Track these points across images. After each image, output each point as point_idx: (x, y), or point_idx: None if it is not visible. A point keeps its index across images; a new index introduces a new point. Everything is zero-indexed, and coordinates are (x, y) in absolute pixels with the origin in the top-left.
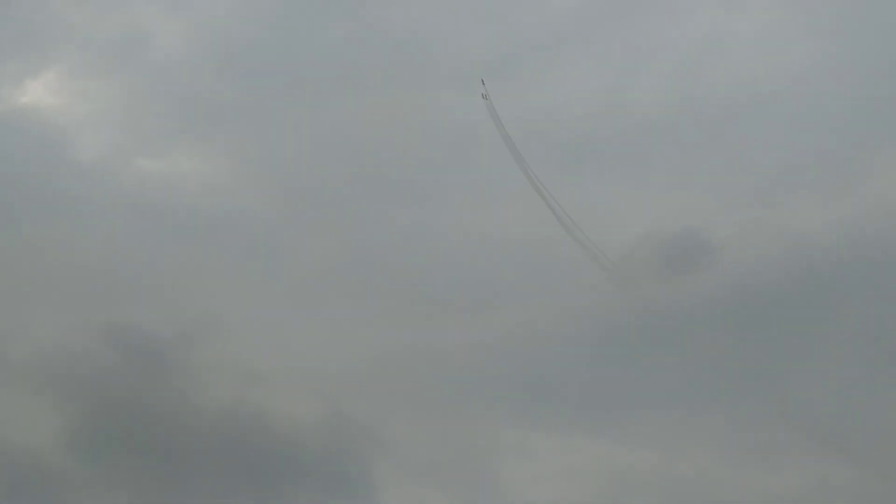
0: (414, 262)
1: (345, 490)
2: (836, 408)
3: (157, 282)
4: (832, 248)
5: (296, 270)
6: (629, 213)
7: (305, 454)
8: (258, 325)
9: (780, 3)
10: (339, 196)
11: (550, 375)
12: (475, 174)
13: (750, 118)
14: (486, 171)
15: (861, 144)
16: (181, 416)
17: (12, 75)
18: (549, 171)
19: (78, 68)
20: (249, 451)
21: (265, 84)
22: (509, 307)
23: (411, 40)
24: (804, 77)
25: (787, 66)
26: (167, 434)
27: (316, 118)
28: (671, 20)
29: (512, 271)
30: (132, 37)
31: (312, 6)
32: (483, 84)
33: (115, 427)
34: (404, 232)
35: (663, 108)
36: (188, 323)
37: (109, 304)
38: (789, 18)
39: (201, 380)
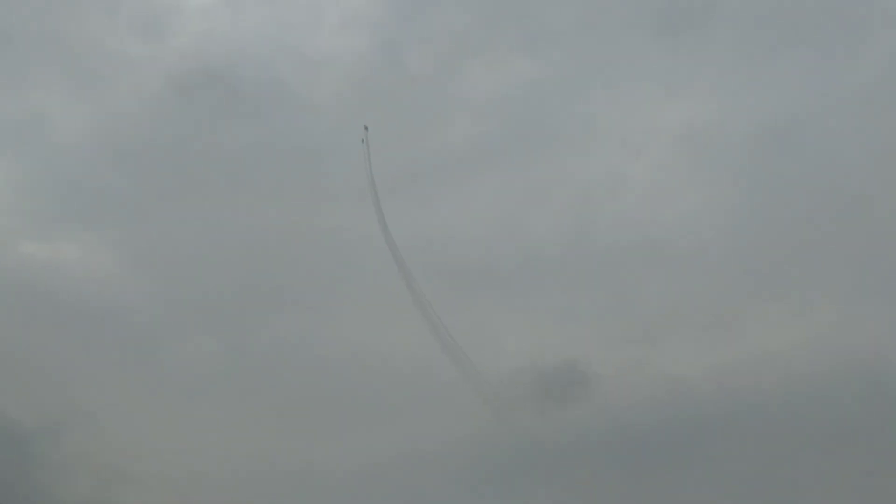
0: (294, 373)
1: None
2: None
3: (28, 368)
4: (706, 392)
5: (174, 370)
6: (514, 341)
7: None
8: (130, 424)
9: (674, 151)
10: (224, 299)
11: (427, 501)
12: (363, 288)
13: (637, 259)
14: (374, 285)
15: (739, 293)
16: None
17: None
18: (439, 292)
19: None
20: None
21: (160, 180)
22: (389, 426)
23: (310, 151)
24: (691, 223)
25: (676, 212)
26: None
27: (207, 219)
28: (571, 158)
29: (394, 390)
30: (31, 118)
31: (215, 110)
32: (365, 129)
33: None
34: (288, 341)
35: (556, 241)
36: (56, 414)
37: None
38: (682, 166)
39: (65, 475)
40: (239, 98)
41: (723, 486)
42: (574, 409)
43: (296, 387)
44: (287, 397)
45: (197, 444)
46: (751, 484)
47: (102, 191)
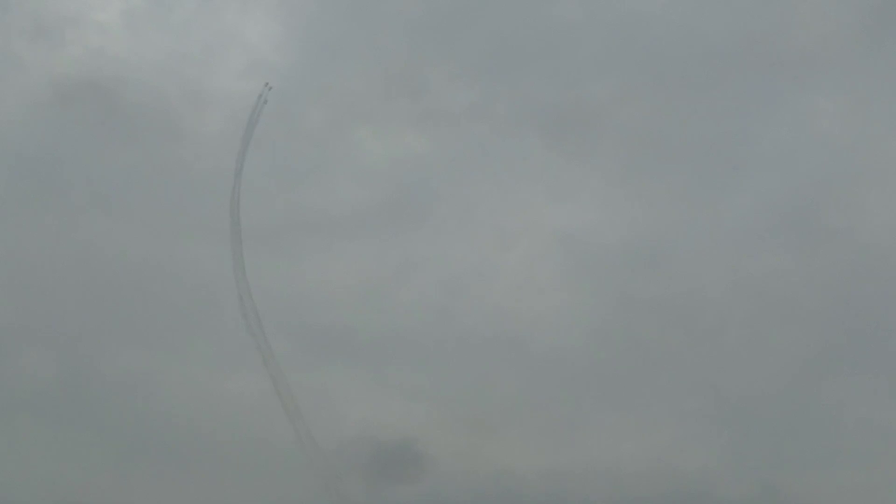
0: (126, 410)
1: None
2: None
3: None
4: (536, 491)
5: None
6: (357, 411)
7: None
8: None
9: (546, 251)
10: (69, 321)
11: None
12: (212, 333)
13: (493, 350)
14: (224, 332)
15: (586, 400)
16: None
17: None
18: (291, 350)
19: None
20: None
21: (24, 188)
22: (213, 479)
23: (183, 184)
24: (551, 325)
25: (538, 311)
26: None
27: (66, 236)
28: (446, 239)
29: (225, 443)
30: None
31: (94, 126)
32: (267, 86)
33: None
34: (126, 375)
35: (418, 319)
36: None
37: None
38: (551, 267)
39: None
40: (121, 118)
41: None
42: (405, 488)
43: (125, 423)
44: (113, 432)
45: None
46: None
47: None
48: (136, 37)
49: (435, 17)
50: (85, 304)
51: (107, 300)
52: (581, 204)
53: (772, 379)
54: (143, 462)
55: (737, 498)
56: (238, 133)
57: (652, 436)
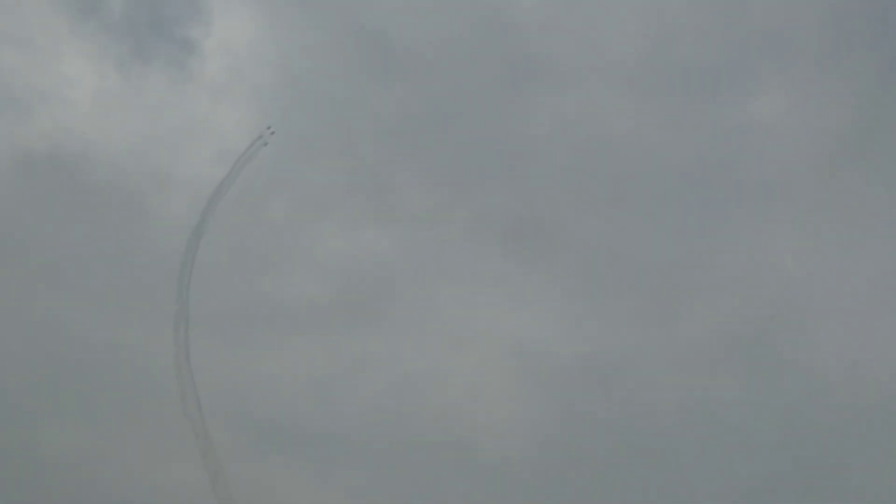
0: (69, 492)
1: None
2: None
3: None
4: None
5: None
6: None
7: None
8: None
9: (501, 360)
10: (8, 396)
11: None
12: (152, 417)
13: (441, 456)
14: (165, 418)
15: None
16: None
17: None
18: (233, 441)
19: None
20: None
21: None
22: None
23: (140, 264)
24: (501, 433)
25: (489, 419)
26: None
27: (17, 309)
28: (401, 340)
29: None
30: None
31: (54, 200)
32: (269, 129)
33: None
34: (68, 456)
35: (366, 419)
36: None
37: None
38: (505, 377)
39: None
40: (82, 195)
41: None
42: None
43: (60, 501)
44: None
45: None
46: None
47: None
48: (105, 116)
49: (406, 121)
50: (29, 379)
51: (51, 377)
52: (537, 315)
53: (719, 503)
54: None
55: None
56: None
57: None
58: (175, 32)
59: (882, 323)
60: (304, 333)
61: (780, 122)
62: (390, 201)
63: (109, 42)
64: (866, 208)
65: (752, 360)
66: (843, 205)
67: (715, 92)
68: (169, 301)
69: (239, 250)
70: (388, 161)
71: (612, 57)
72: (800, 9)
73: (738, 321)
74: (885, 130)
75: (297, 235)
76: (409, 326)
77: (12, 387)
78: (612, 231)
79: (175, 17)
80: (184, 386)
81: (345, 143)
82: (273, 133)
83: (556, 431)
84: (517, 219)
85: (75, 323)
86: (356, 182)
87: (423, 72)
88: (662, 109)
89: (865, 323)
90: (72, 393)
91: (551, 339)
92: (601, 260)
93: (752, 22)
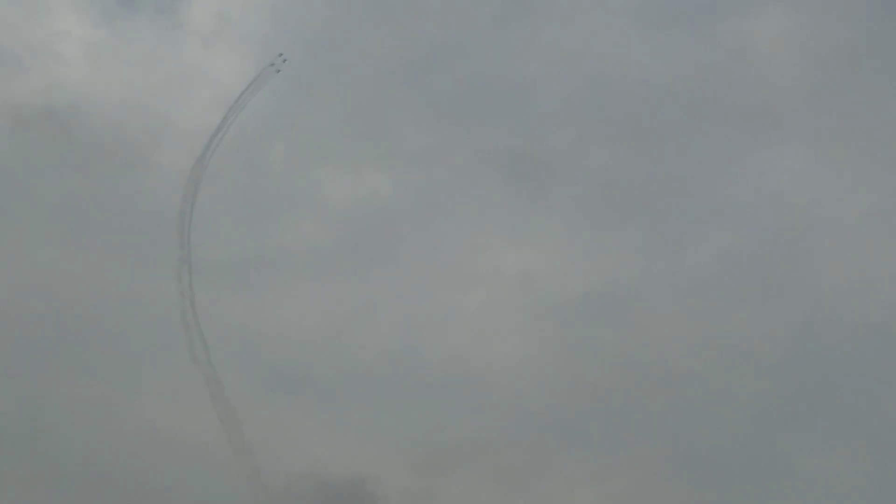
0: (84, 442)
1: None
2: None
3: None
4: None
5: None
6: (306, 448)
7: None
8: None
9: (506, 295)
10: (21, 349)
11: None
12: (162, 365)
13: (450, 392)
14: (174, 365)
15: (539, 445)
16: None
17: None
18: (244, 385)
19: None
20: None
21: None
22: None
23: (140, 213)
24: (510, 368)
25: (497, 354)
26: None
27: (17, 262)
28: (406, 280)
29: (169, 476)
30: None
31: (49, 152)
32: (280, 56)
33: None
34: (81, 407)
35: (375, 359)
36: None
37: None
38: (511, 312)
39: None
40: (76, 148)
41: None
42: None
43: (75, 455)
44: (64, 464)
45: None
46: None
47: None
48: (97, 69)
49: (403, 61)
50: (36, 333)
51: (58, 330)
52: (542, 249)
53: (728, 429)
54: (91, 494)
55: None
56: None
57: (608, 483)
58: None
59: (888, 243)
60: (310, 278)
61: (778, 44)
62: (390, 142)
63: None
64: (869, 129)
65: (760, 286)
66: (846, 126)
67: (712, 18)
68: (172, 250)
69: (240, 197)
70: (387, 101)
71: None
72: None
73: (744, 247)
74: (885, 48)
75: (298, 180)
76: (415, 267)
77: (18, 342)
78: (615, 163)
79: None
80: (190, 333)
81: (341, 84)
82: (285, 61)
83: (565, 365)
84: (518, 154)
85: (78, 276)
86: (355, 124)
87: (418, 10)
88: (660, 38)
89: (871, 244)
90: (78, 346)
91: (557, 273)
92: (604, 192)
93: None
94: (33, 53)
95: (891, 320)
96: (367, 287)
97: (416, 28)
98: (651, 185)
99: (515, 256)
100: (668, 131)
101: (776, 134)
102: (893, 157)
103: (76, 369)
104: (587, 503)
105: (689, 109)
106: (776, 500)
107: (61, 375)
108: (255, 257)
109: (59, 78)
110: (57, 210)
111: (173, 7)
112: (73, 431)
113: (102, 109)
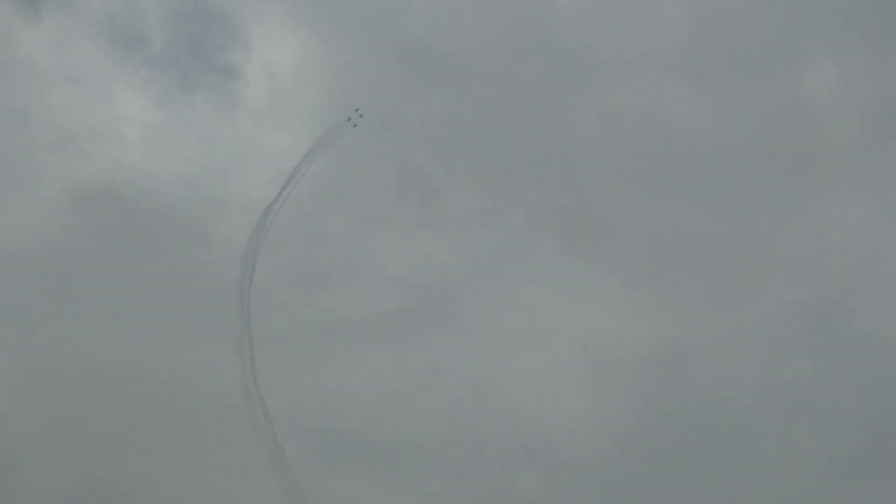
0: None
1: None
2: None
3: None
4: None
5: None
6: None
7: None
8: None
9: (568, 357)
10: (88, 429)
11: None
12: (223, 438)
13: (515, 459)
14: (235, 437)
15: None
16: None
17: None
18: (306, 456)
19: None
20: None
21: (46, 293)
22: None
23: (202, 289)
24: (574, 432)
25: (561, 418)
26: None
27: (86, 340)
28: (467, 345)
29: None
30: None
31: (112, 231)
32: (357, 111)
33: None
34: (145, 484)
35: (438, 427)
36: None
37: None
38: (574, 374)
39: None
40: (137, 222)
41: None
42: None
43: None
44: None
45: None
46: None
47: None
48: (155, 148)
49: (453, 126)
50: (99, 411)
51: (120, 407)
52: (601, 308)
53: (797, 487)
54: None
55: None
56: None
57: None
58: (216, 59)
59: None
60: (370, 345)
61: (833, 95)
62: (444, 206)
63: (154, 75)
64: None
65: (824, 338)
66: None
67: (765, 70)
68: (233, 322)
69: (299, 267)
70: (439, 166)
71: (656, 43)
72: None
73: (806, 299)
74: None
75: (356, 248)
76: (474, 330)
77: (87, 422)
78: (670, 218)
79: (215, 44)
80: (251, 404)
81: (393, 151)
82: (362, 116)
83: (630, 425)
84: (572, 213)
85: (141, 350)
86: (409, 190)
87: (467, 76)
88: (712, 91)
89: None
90: (142, 420)
91: (617, 331)
92: (660, 248)
93: None
94: (95, 135)
95: None
96: (427, 352)
97: (464, 92)
98: (709, 240)
99: (574, 316)
100: (724, 184)
101: (834, 184)
102: None
103: (140, 443)
104: None
105: (745, 161)
106: None
107: (126, 450)
108: (315, 326)
109: (120, 158)
110: (119, 285)
111: (228, 86)
112: None
113: (162, 187)
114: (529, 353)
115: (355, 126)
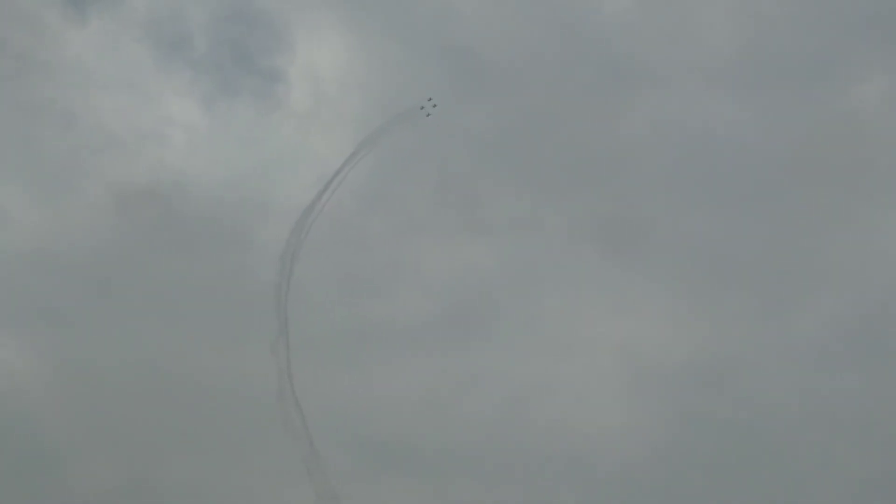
0: None
1: None
2: None
3: None
4: None
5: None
6: None
7: None
8: None
9: (611, 366)
10: (130, 429)
11: None
12: (261, 442)
13: (557, 467)
14: (273, 442)
15: None
16: None
17: None
18: (345, 461)
19: None
20: None
21: (88, 293)
22: None
23: (244, 293)
24: (615, 441)
25: (602, 427)
26: None
27: (126, 340)
28: (509, 352)
29: None
30: None
31: (154, 233)
32: (430, 101)
33: None
34: (186, 485)
35: (479, 433)
36: None
37: None
38: (616, 383)
39: None
40: (179, 223)
41: None
42: None
43: None
44: None
45: None
46: None
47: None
48: (198, 151)
49: (498, 133)
50: (138, 412)
51: (159, 409)
52: (643, 318)
53: (841, 501)
54: None
55: None
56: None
57: None
58: (260, 63)
59: None
60: (410, 351)
61: (880, 106)
62: (486, 212)
63: (197, 78)
64: None
65: (870, 352)
66: None
67: (815, 81)
68: (272, 325)
69: (341, 271)
70: (482, 172)
71: (705, 54)
72: None
73: (853, 312)
74: None
75: (398, 253)
76: (514, 338)
77: (123, 418)
78: (715, 229)
79: (258, 47)
80: (287, 408)
81: (436, 156)
82: (435, 105)
83: (671, 436)
84: (615, 221)
85: (183, 355)
86: (451, 196)
87: (512, 82)
88: (761, 103)
89: None
90: (181, 422)
91: (660, 341)
92: (704, 258)
93: (846, 8)
94: (139, 137)
95: None
96: (467, 359)
97: (509, 98)
98: (753, 251)
99: (616, 325)
100: (771, 195)
101: (881, 196)
102: None
103: (179, 445)
104: None
105: (792, 173)
106: None
107: (165, 451)
108: (355, 330)
109: (164, 160)
110: (161, 287)
111: (271, 90)
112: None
113: (205, 190)
114: (570, 361)
115: (428, 115)
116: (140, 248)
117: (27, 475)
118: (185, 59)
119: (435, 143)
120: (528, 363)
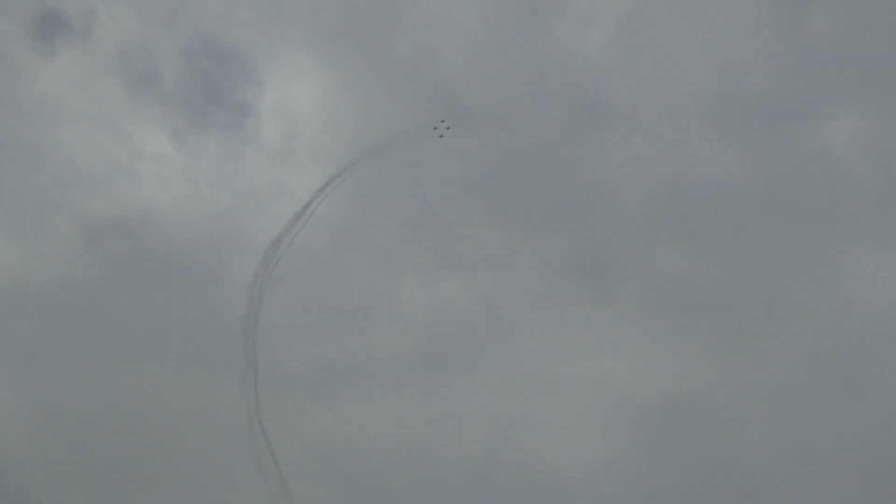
0: None
1: None
2: None
3: None
4: None
5: None
6: None
7: None
8: None
9: (588, 402)
10: (100, 462)
11: None
12: (236, 479)
13: (529, 496)
14: (241, 479)
15: None
16: None
17: None
18: (321, 498)
19: None
20: None
21: (58, 326)
22: None
23: (216, 327)
24: (593, 477)
25: (580, 463)
26: None
27: (96, 375)
28: (488, 389)
29: None
30: None
31: (124, 266)
32: (443, 122)
33: None
34: None
35: (458, 470)
36: None
37: None
38: (593, 419)
39: None
40: (148, 258)
41: None
42: None
43: None
44: None
45: None
46: None
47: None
48: (167, 185)
49: (475, 170)
50: (113, 448)
51: (133, 444)
52: (619, 354)
53: None
54: None
55: None
56: (276, 278)
57: None
58: (229, 97)
59: None
60: (385, 387)
61: (853, 146)
62: (462, 249)
63: (167, 112)
64: None
65: (842, 391)
66: None
67: (786, 121)
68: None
69: (314, 307)
70: (458, 209)
71: (678, 93)
72: (865, 33)
73: (825, 351)
74: None
75: (372, 289)
76: (491, 375)
77: (100, 457)
78: (689, 266)
79: (228, 82)
80: (257, 445)
81: (411, 193)
82: (448, 128)
83: (644, 472)
84: (591, 258)
85: (152, 389)
86: (426, 232)
87: (488, 121)
88: (732, 142)
89: None
90: (156, 459)
91: (634, 378)
92: (679, 295)
93: (818, 49)
94: (108, 172)
95: None
96: (444, 395)
97: (485, 137)
98: (727, 289)
99: (592, 361)
100: (743, 234)
101: (853, 235)
102: None
103: (149, 481)
104: None
105: (765, 212)
106: None
107: (135, 487)
108: (328, 367)
109: (133, 194)
110: (130, 321)
111: (242, 124)
112: None
113: (174, 224)
114: (546, 397)
115: (441, 136)
116: (110, 283)
117: None
118: (154, 93)
119: (411, 179)
120: (505, 399)
